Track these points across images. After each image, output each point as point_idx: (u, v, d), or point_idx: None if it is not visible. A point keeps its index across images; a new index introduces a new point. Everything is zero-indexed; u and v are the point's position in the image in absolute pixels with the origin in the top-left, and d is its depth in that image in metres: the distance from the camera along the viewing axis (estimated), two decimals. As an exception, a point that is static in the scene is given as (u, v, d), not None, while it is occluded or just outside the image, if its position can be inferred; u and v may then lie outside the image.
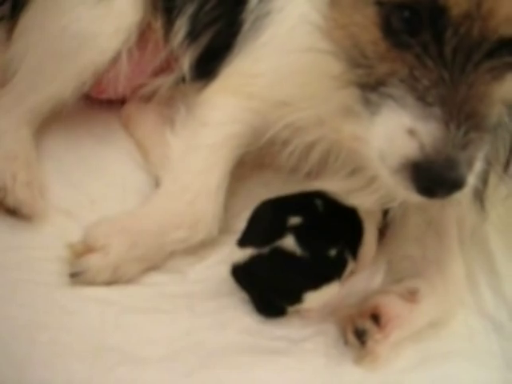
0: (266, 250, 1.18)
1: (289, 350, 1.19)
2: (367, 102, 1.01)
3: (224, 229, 1.35)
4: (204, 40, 1.48)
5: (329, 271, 1.19)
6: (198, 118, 1.38)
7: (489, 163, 1.15)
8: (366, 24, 0.99)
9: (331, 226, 1.23)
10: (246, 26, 1.38)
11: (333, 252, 1.19)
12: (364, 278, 1.32)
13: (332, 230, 1.22)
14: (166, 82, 1.56)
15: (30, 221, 1.32)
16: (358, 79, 1.03)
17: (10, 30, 1.50)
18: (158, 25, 1.52)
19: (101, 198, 1.42)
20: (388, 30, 0.96)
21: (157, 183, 1.44)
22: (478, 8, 0.88)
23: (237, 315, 1.24)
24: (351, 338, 1.19)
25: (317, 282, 1.17)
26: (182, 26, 1.49)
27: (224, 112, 1.37)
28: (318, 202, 1.26)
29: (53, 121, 1.49)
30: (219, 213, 1.33)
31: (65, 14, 1.43)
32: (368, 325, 1.18)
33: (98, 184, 1.45)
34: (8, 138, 1.41)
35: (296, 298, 1.17)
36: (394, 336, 1.19)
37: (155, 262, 1.29)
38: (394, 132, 0.95)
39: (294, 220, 1.20)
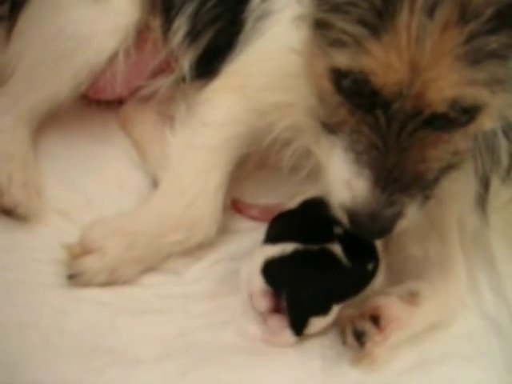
0: (315, 247, 1.16)
1: (284, 350, 1.18)
2: (326, 139, 1.10)
3: (221, 229, 1.34)
4: (205, 39, 1.47)
5: (362, 284, 1.19)
6: (198, 117, 1.37)
7: (490, 169, 1.16)
8: (323, 75, 1.04)
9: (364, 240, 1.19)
10: (248, 25, 1.37)
11: (370, 266, 1.19)
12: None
13: (366, 244, 1.20)
14: (165, 82, 1.55)
15: (25, 221, 1.32)
16: (321, 117, 1.10)
17: (9, 30, 1.49)
18: (156, 24, 1.51)
19: (98, 198, 1.41)
20: (339, 87, 1.02)
21: (154, 183, 1.44)
22: (409, 89, 0.93)
23: (232, 316, 1.23)
24: (350, 338, 1.18)
25: (347, 295, 1.18)
26: (181, 26, 1.48)
27: (225, 112, 1.35)
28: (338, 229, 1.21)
29: (50, 121, 1.48)
30: (218, 215, 1.31)
31: (61, 13, 1.42)
32: (367, 326, 1.17)
33: (95, 184, 1.44)
34: (5, 139, 1.40)
35: (326, 310, 1.15)
36: (394, 338, 1.17)
37: (152, 264, 1.28)
38: (336, 179, 1.07)
39: (338, 230, 1.18)
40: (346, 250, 1.17)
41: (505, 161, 1.16)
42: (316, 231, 1.20)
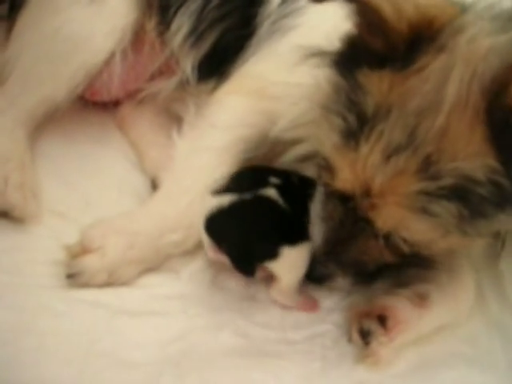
0: (248, 195, 1.20)
1: (284, 352, 1.17)
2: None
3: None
4: (210, 39, 1.45)
5: (306, 231, 1.19)
6: (207, 118, 1.36)
7: None
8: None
9: (305, 196, 1.24)
10: (263, 29, 1.37)
11: (305, 217, 1.21)
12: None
13: (306, 200, 1.23)
14: (166, 86, 1.54)
15: (22, 223, 1.31)
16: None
17: (8, 31, 1.49)
18: (151, 25, 1.49)
19: (96, 199, 1.41)
20: None
21: (152, 185, 1.43)
22: (361, 202, 1.03)
23: (231, 317, 1.21)
24: (355, 336, 1.17)
25: (294, 237, 1.17)
26: (182, 25, 1.46)
27: (234, 114, 1.35)
28: (295, 178, 1.29)
29: (48, 122, 1.47)
30: None
31: (58, 14, 1.42)
32: (374, 326, 1.16)
33: (93, 185, 1.43)
34: (1, 140, 1.39)
35: (272, 251, 1.16)
36: (399, 340, 1.16)
37: (152, 265, 1.27)
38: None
39: (275, 180, 1.24)
40: (283, 195, 1.21)
41: None
42: (250, 180, 1.25)
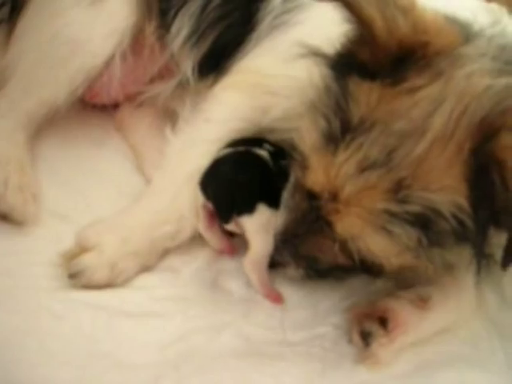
0: (241, 148, 1.28)
1: (284, 354, 1.17)
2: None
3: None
4: (210, 38, 1.45)
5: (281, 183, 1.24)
6: (201, 114, 1.37)
7: None
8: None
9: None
10: (264, 24, 1.37)
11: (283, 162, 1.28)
12: (363, 278, 1.27)
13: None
14: (165, 88, 1.54)
15: (21, 225, 1.32)
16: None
17: (9, 34, 1.49)
18: (151, 29, 1.49)
19: (95, 201, 1.41)
20: None
21: (151, 185, 1.43)
22: (326, 204, 1.04)
23: (231, 318, 1.21)
24: (356, 337, 1.18)
25: (273, 200, 1.23)
26: (182, 27, 1.46)
27: (230, 109, 1.35)
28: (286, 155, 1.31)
29: (48, 125, 1.48)
30: None
31: (58, 17, 1.43)
32: (375, 327, 1.16)
33: (93, 187, 1.44)
34: (2, 143, 1.40)
35: (250, 204, 1.21)
36: (400, 342, 1.16)
37: (151, 259, 1.28)
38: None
39: (269, 147, 1.31)
40: (274, 161, 1.28)
41: None
42: (246, 141, 1.32)
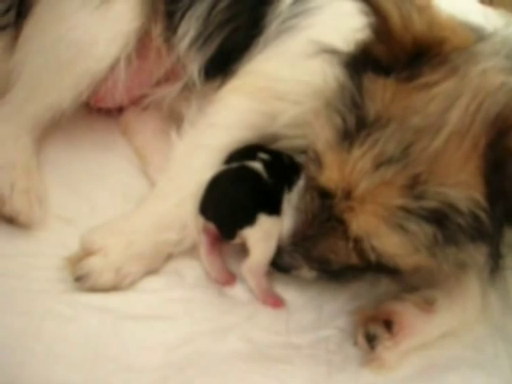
0: (235, 165, 1.29)
1: (289, 356, 1.17)
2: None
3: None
4: (217, 40, 1.45)
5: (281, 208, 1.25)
6: (207, 117, 1.37)
7: None
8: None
9: (291, 175, 1.31)
10: (272, 28, 1.38)
11: (285, 195, 1.27)
12: (368, 281, 1.28)
13: (290, 179, 1.30)
14: (171, 91, 1.54)
15: (27, 229, 1.32)
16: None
17: (15, 38, 1.49)
18: (157, 31, 1.49)
19: (101, 205, 1.41)
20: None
21: (156, 189, 1.43)
22: (339, 202, 1.04)
23: (236, 321, 1.22)
24: (361, 340, 1.18)
25: (271, 209, 1.24)
26: (188, 30, 1.46)
27: (236, 114, 1.35)
28: (285, 157, 1.37)
29: (54, 128, 1.48)
30: None
31: (63, 21, 1.42)
32: (380, 330, 1.17)
33: (98, 191, 1.44)
34: (7, 147, 1.40)
35: (250, 216, 1.22)
36: (405, 345, 1.17)
37: (155, 263, 1.29)
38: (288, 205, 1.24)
39: (263, 155, 1.32)
40: (268, 170, 1.29)
41: None
42: (241, 154, 1.33)
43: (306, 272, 1.19)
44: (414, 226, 0.99)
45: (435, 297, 1.21)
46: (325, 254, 1.14)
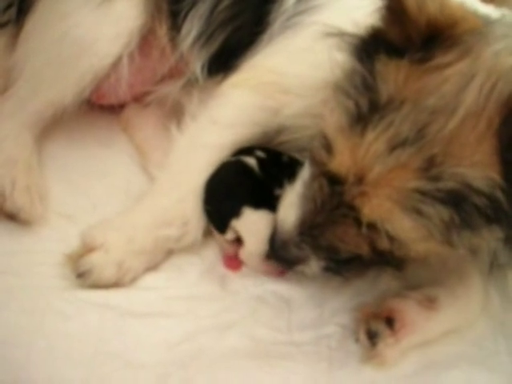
0: (232, 159, 1.32)
1: (291, 353, 1.17)
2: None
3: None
4: (220, 38, 1.45)
5: (272, 203, 1.25)
6: (209, 113, 1.37)
7: None
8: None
9: (287, 173, 1.28)
10: (276, 25, 1.37)
11: (278, 191, 1.26)
12: (369, 278, 1.29)
13: (285, 177, 1.27)
14: (173, 88, 1.54)
15: (28, 225, 1.32)
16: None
17: (16, 35, 1.50)
18: (162, 31, 1.49)
19: (103, 202, 1.41)
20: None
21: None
22: (350, 188, 1.02)
23: (238, 318, 1.22)
24: (363, 337, 1.18)
25: (259, 203, 1.26)
26: (192, 28, 1.46)
27: (238, 111, 1.35)
28: (285, 158, 1.37)
29: (55, 125, 1.48)
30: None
31: (65, 18, 1.42)
32: (381, 327, 1.17)
33: (100, 188, 1.44)
34: (9, 143, 1.41)
35: (236, 209, 1.25)
36: (406, 342, 1.17)
37: (156, 258, 1.29)
38: (287, 197, 1.20)
39: (260, 153, 1.34)
40: (262, 167, 1.32)
41: None
42: (239, 151, 1.35)
43: (313, 265, 1.17)
44: (429, 208, 0.97)
45: (437, 294, 1.21)
46: (333, 242, 1.12)
